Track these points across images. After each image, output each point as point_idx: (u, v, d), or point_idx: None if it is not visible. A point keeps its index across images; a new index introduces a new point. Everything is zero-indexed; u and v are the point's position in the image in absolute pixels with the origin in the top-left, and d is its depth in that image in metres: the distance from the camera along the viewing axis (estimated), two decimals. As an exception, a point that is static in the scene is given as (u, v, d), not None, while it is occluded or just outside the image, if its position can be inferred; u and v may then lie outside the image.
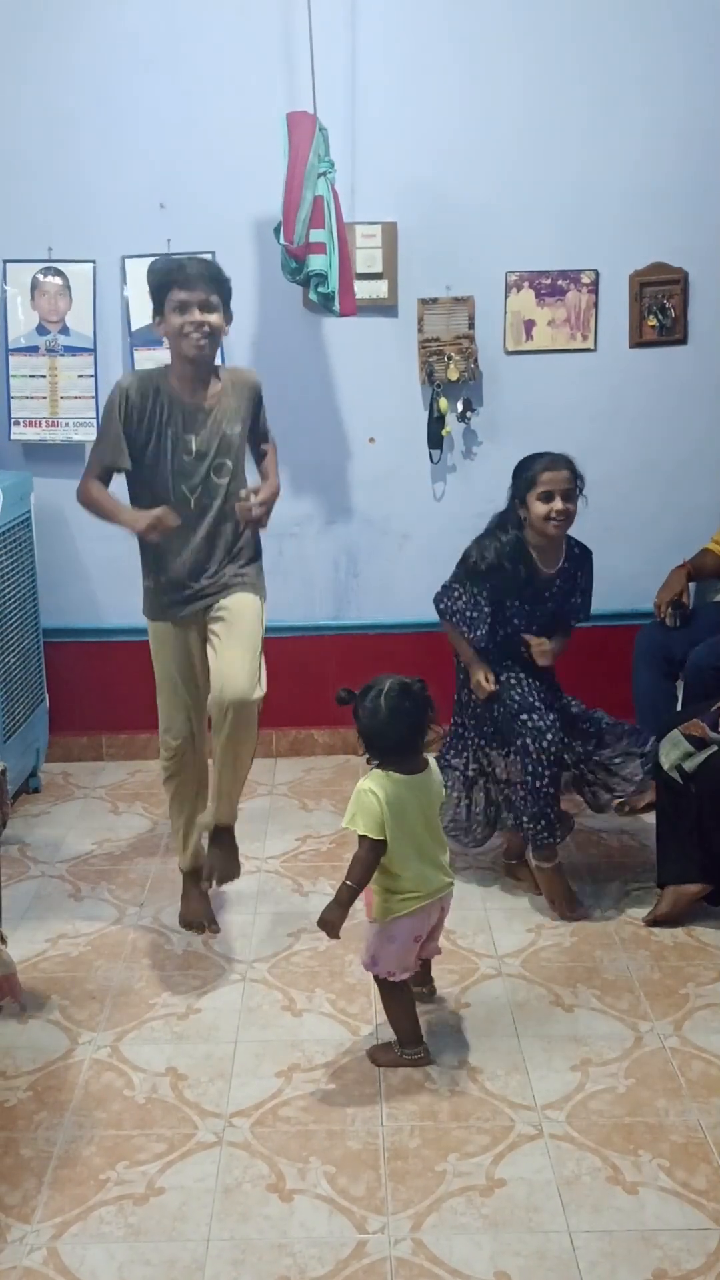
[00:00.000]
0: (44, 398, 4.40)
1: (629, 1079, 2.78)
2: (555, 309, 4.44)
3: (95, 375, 4.35)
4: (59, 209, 4.31)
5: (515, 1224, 2.36)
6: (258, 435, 3.40)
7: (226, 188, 4.25)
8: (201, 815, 3.42)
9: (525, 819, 3.49)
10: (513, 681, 3.56)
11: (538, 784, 3.43)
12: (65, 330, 4.37)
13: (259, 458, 3.44)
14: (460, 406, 4.44)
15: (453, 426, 4.49)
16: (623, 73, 4.28)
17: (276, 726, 4.60)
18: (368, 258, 4.34)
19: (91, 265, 4.33)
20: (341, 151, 4.14)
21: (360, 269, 4.29)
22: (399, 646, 4.54)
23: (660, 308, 4.44)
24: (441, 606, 3.64)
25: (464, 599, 3.59)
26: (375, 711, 2.72)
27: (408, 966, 2.83)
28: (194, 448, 3.21)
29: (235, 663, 3.13)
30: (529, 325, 4.45)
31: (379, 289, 4.38)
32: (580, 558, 3.69)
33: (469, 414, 4.45)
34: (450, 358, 4.41)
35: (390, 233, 4.34)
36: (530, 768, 3.43)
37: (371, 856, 2.71)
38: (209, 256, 3.70)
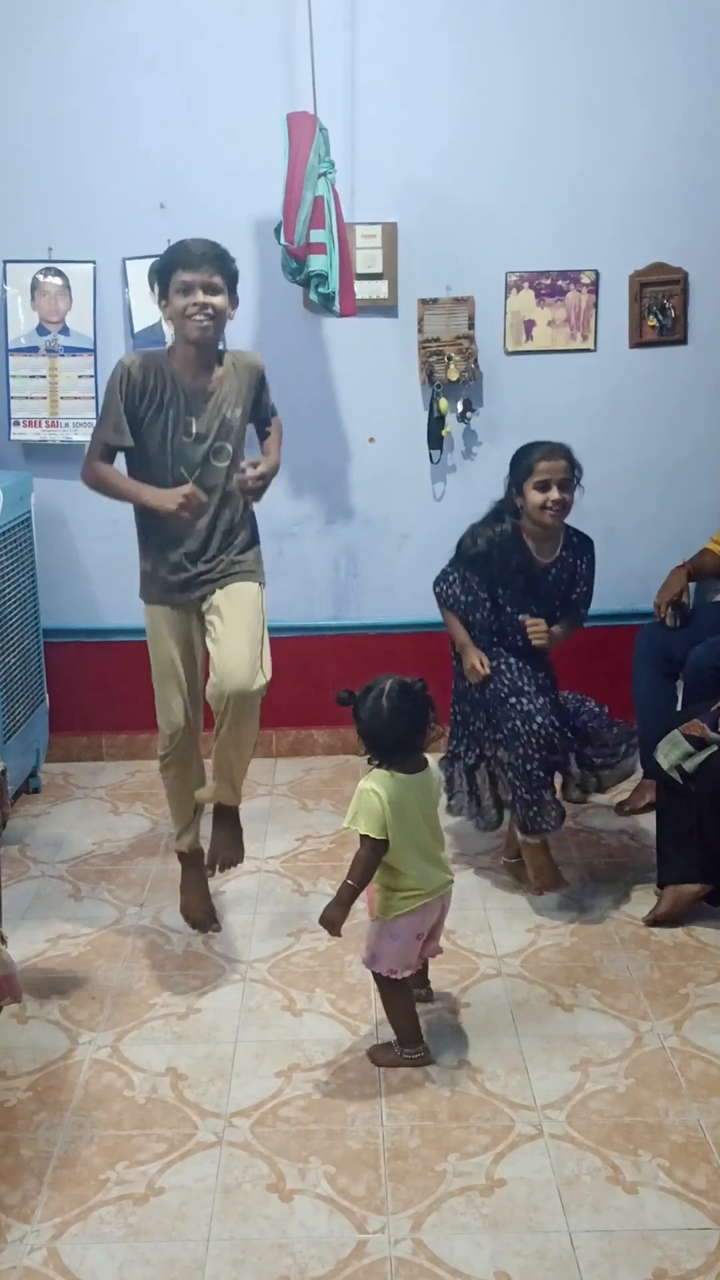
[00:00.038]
0: (44, 398, 4.40)
1: (629, 1079, 2.78)
2: (555, 309, 4.45)
3: (95, 376, 4.35)
4: (59, 209, 4.31)
5: (515, 1224, 2.36)
6: (261, 416, 3.36)
7: (226, 188, 4.25)
8: (200, 791, 3.41)
9: (516, 802, 3.49)
10: (504, 667, 3.56)
11: (527, 767, 3.42)
12: (65, 331, 4.37)
13: (263, 437, 3.41)
14: (460, 407, 4.44)
15: (453, 427, 4.49)
16: (622, 73, 4.28)
17: (276, 726, 4.60)
18: (368, 258, 4.34)
19: (92, 266, 4.34)
20: (341, 152, 4.14)
21: (360, 269, 4.29)
22: (399, 646, 4.54)
23: (660, 308, 4.44)
24: (438, 590, 3.67)
25: (459, 584, 3.61)
26: (377, 711, 2.73)
27: (410, 964, 2.84)
28: (194, 430, 3.19)
29: (234, 654, 3.12)
30: (529, 325, 4.46)
31: (379, 289, 4.38)
32: (580, 546, 3.68)
33: (469, 414, 4.45)
34: (450, 358, 4.41)
35: (390, 233, 4.34)
36: (520, 750, 3.42)
37: (373, 856, 2.71)
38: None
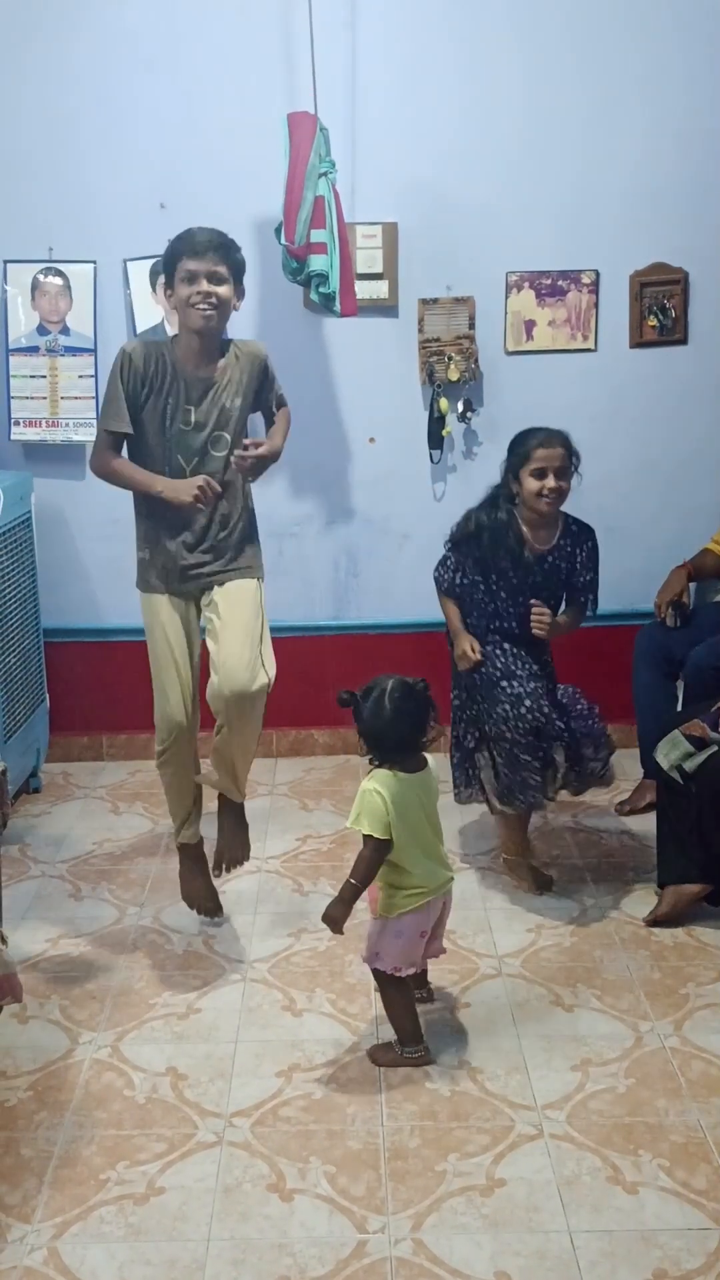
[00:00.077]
0: (44, 398, 4.40)
1: (629, 1079, 2.78)
2: (555, 309, 4.45)
3: (95, 376, 4.35)
4: (59, 209, 4.31)
5: (515, 1224, 2.36)
6: (266, 404, 3.34)
7: (226, 188, 4.25)
8: (198, 776, 3.39)
9: (497, 774, 3.49)
10: (497, 652, 3.55)
11: (513, 749, 3.41)
12: (65, 330, 4.37)
13: (269, 424, 3.39)
14: (460, 407, 4.44)
15: (453, 427, 4.49)
16: (623, 73, 4.28)
17: (276, 726, 4.60)
18: (368, 258, 4.34)
19: (92, 266, 4.34)
20: (342, 152, 4.14)
21: (361, 269, 4.29)
22: (399, 646, 4.54)
23: (660, 308, 4.44)
24: (435, 576, 3.69)
25: (455, 568, 3.63)
26: (379, 711, 2.73)
27: (414, 962, 2.85)
28: (192, 418, 3.18)
29: (233, 655, 3.11)
30: (529, 325, 4.46)
31: (379, 289, 4.38)
32: (579, 535, 3.66)
33: (469, 414, 4.45)
34: (450, 358, 4.41)
35: (390, 233, 4.34)
36: (506, 733, 3.41)
37: (377, 856, 2.72)
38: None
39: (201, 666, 3.32)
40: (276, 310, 4.37)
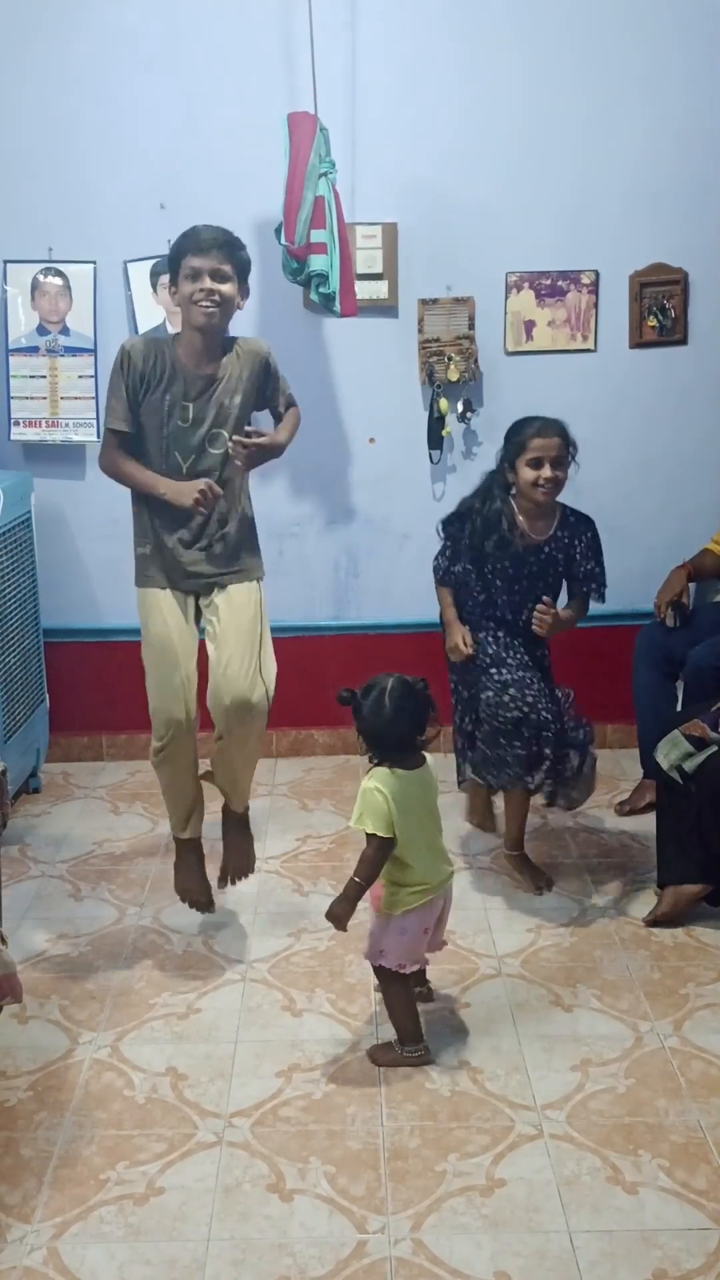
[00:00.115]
0: (44, 398, 4.40)
1: (629, 1079, 2.78)
2: (555, 309, 4.44)
3: (95, 376, 4.35)
4: (59, 209, 4.31)
5: (515, 1224, 2.36)
6: (272, 403, 3.33)
7: (226, 188, 4.24)
8: (202, 773, 3.37)
9: (476, 754, 3.49)
10: (489, 639, 3.56)
11: (497, 736, 3.40)
12: (65, 331, 4.37)
13: (278, 425, 3.37)
14: (460, 407, 4.44)
15: (453, 427, 4.49)
16: (622, 73, 4.28)
17: (276, 727, 4.58)
18: (368, 258, 4.34)
19: (92, 266, 4.33)
20: (342, 152, 4.14)
21: (361, 269, 4.29)
22: (399, 646, 4.54)
23: (660, 308, 4.44)
24: (433, 565, 3.71)
25: (450, 555, 3.65)
26: (379, 710, 2.73)
27: (417, 958, 2.86)
28: (190, 415, 3.18)
29: (232, 664, 3.12)
30: (529, 326, 4.46)
31: (379, 289, 4.38)
32: (577, 526, 3.65)
33: (469, 414, 4.45)
34: (450, 358, 4.41)
35: (390, 233, 4.34)
36: (488, 720, 3.41)
37: (381, 854, 2.72)
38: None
39: (200, 668, 3.32)
40: (276, 310, 4.36)
